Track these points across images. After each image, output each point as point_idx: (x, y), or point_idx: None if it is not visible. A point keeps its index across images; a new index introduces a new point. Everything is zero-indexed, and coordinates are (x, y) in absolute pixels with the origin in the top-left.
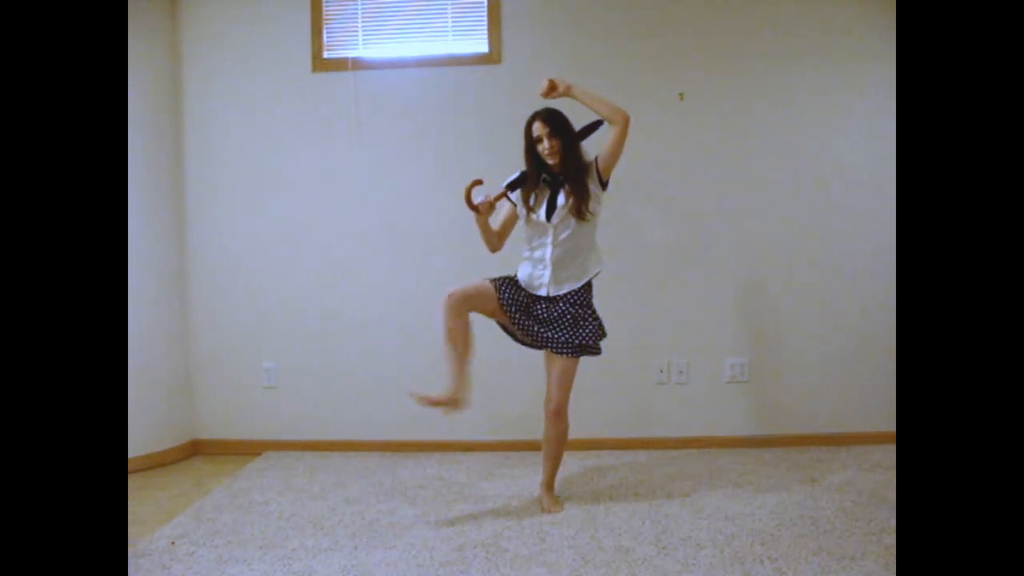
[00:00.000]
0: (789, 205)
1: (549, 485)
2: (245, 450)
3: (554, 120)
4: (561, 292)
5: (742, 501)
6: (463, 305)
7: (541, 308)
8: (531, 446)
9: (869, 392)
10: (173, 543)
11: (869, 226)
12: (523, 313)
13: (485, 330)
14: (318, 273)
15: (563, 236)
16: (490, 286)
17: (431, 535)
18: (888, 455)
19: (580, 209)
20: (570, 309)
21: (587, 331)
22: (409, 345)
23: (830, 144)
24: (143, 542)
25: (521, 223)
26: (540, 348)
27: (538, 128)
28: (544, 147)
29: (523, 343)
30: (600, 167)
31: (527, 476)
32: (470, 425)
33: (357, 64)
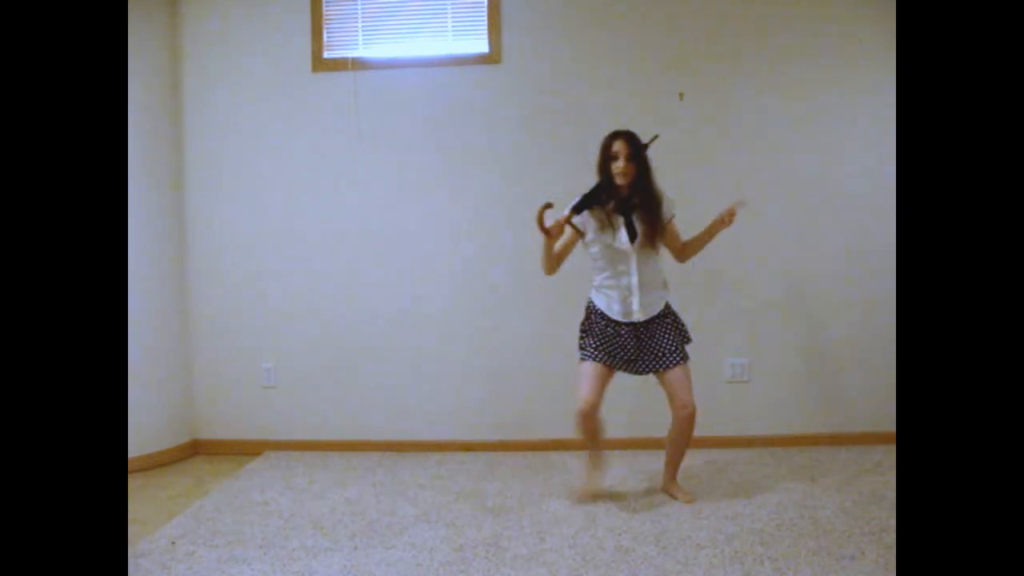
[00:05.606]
0: (789, 205)
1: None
2: (245, 450)
3: (635, 143)
4: (650, 316)
5: (742, 501)
6: (596, 413)
7: (634, 334)
8: (531, 446)
9: (869, 392)
10: (173, 543)
11: (869, 226)
12: (623, 357)
13: (490, 333)
14: (318, 273)
15: (643, 261)
16: (592, 367)
17: (431, 535)
18: (888, 455)
19: (653, 238)
20: (658, 319)
21: (682, 332)
22: (409, 345)
23: (831, 144)
24: (143, 542)
25: (581, 249)
26: (647, 373)
27: (620, 146)
28: (619, 165)
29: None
30: (665, 230)
31: (527, 476)
32: (470, 425)
33: (357, 64)
